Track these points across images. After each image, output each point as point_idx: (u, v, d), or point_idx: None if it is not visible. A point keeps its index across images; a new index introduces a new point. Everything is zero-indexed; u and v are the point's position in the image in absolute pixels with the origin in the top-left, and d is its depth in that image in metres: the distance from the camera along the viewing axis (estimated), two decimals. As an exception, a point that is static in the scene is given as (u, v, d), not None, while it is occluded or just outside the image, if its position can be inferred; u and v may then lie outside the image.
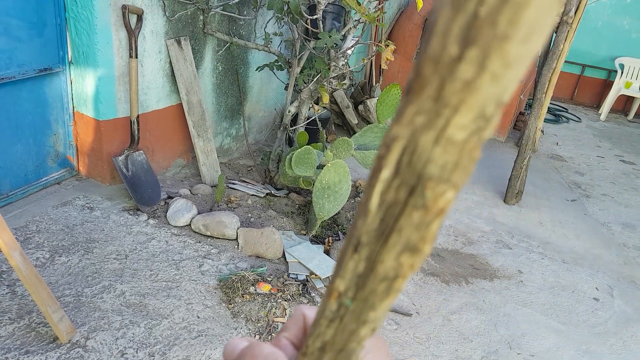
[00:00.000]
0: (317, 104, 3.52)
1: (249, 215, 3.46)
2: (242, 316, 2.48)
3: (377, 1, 2.91)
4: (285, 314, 2.56)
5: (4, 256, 2.48)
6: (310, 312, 0.34)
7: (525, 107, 6.84)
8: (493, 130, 0.21)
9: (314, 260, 3.01)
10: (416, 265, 0.24)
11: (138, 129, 3.03)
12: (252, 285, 2.70)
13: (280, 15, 2.90)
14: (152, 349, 2.15)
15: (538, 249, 3.67)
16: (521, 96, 5.69)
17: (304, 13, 2.78)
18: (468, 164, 0.21)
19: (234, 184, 3.78)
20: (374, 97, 4.75)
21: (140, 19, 2.84)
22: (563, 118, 7.47)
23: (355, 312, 0.27)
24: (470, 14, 0.19)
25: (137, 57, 2.85)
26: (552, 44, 3.79)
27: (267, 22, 3.61)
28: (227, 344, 0.34)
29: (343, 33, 2.98)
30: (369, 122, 4.87)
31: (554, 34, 3.82)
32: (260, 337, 2.38)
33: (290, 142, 3.86)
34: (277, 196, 3.79)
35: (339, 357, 0.30)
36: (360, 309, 0.27)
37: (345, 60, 3.23)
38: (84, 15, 2.71)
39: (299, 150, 3.01)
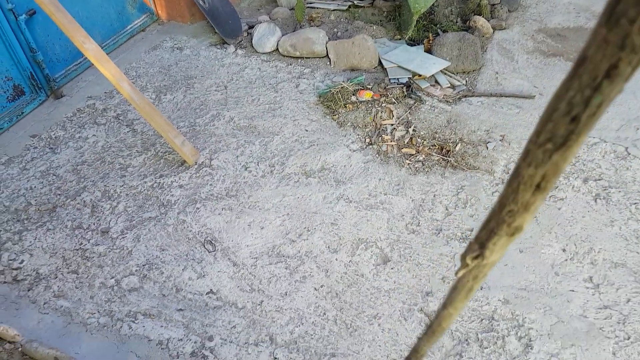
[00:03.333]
0: None
1: (335, 30, 3.22)
2: (348, 125, 2.44)
3: None
4: (392, 116, 2.47)
5: (117, 100, 2.61)
6: None
7: None
8: None
9: (415, 61, 2.78)
10: None
11: (202, -49, 2.78)
12: (353, 94, 2.60)
13: None
14: (271, 161, 2.23)
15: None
16: None
17: None
18: None
19: (311, 2, 3.48)
20: None
21: None
22: None
23: None
24: None
25: None
26: None
27: None
28: None
29: None
30: None
31: None
32: (370, 140, 2.34)
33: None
34: (361, 6, 3.44)
35: None
36: None
37: None
38: None
39: None
